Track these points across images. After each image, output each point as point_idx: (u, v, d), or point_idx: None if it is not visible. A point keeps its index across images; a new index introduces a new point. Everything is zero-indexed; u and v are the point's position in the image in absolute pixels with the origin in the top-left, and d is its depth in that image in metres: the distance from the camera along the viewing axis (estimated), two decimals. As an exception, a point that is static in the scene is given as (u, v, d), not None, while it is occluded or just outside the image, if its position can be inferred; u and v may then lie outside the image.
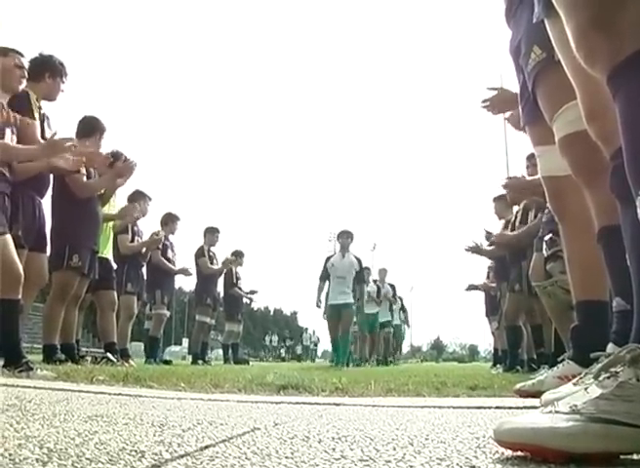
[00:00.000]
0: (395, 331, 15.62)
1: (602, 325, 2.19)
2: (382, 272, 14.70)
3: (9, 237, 3.59)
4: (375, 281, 14.03)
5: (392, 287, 15.04)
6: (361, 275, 10.28)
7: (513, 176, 3.60)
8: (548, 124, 2.27)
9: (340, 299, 9.66)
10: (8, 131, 3.84)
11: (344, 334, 9.66)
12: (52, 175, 4.82)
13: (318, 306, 10.05)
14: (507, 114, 3.08)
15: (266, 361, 30.39)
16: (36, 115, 4.32)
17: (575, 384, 1.74)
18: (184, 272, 9.34)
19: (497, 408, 1.73)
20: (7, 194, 3.78)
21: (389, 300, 14.55)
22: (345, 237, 10.27)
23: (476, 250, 7.72)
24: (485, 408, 1.73)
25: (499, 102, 2.99)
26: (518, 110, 2.94)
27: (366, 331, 13.17)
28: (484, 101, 3.03)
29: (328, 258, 10.18)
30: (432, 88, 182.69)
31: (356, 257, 10.15)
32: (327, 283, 9.93)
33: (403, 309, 17.31)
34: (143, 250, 7.83)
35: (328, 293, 9.88)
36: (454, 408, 1.75)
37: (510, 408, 1.75)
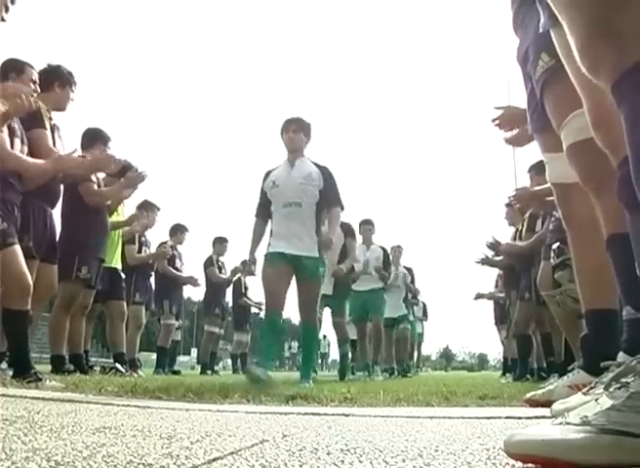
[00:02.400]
0: (412, 330, 11.41)
1: (612, 333, 2.17)
2: (397, 251, 10.47)
3: (18, 248, 3.61)
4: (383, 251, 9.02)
5: (409, 271, 10.79)
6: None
7: (521, 188, 3.60)
8: (556, 131, 2.26)
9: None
10: (17, 141, 3.86)
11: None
12: (62, 186, 4.85)
13: None
14: (508, 135, 3.07)
15: (284, 370, 30.05)
16: (47, 125, 4.35)
17: (585, 394, 1.73)
18: (192, 281, 9.35)
19: (507, 418, 1.72)
20: (16, 204, 3.80)
21: (407, 288, 10.41)
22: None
23: (487, 261, 7.71)
24: (495, 418, 1.72)
25: (507, 120, 2.98)
26: (520, 129, 2.94)
27: (349, 318, 8.25)
28: (493, 120, 3.04)
29: None
30: (439, 94, 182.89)
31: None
32: None
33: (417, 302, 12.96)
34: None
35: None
36: (463, 418, 1.74)
37: (520, 418, 1.73)
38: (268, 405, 2.29)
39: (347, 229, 7.29)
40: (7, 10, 3.53)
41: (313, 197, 4.85)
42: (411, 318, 10.90)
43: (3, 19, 3.54)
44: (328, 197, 4.92)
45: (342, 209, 5.03)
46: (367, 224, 8.92)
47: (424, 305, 14.48)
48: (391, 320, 9.76)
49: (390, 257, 9.13)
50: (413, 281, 10.99)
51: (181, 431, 1.33)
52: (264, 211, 5.01)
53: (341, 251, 7.13)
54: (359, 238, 8.41)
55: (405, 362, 10.33)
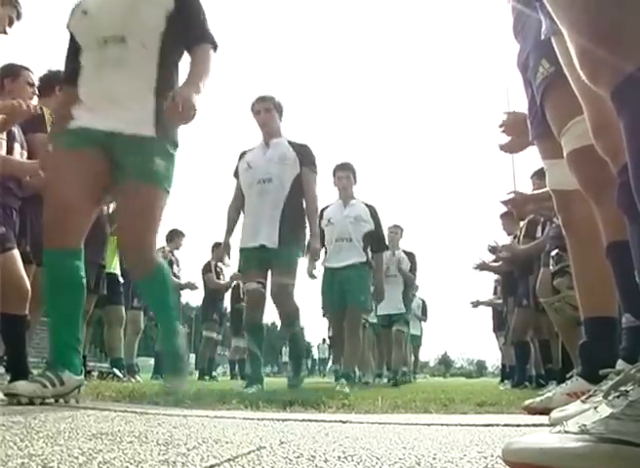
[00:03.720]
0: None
1: (611, 341, 2.17)
2: (395, 232, 8.44)
3: (17, 252, 3.60)
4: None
5: (411, 256, 8.67)
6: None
7: (516, 191, 3.59)
8: (557, 138, 2.26)
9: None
10: (17, 145, 3.86)
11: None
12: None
13: None
14: (503, 141, 3.07)
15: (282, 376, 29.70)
16: (49, 129, 4.33)
17: (583, 401, 1.73)
18: (190, 286, 9.34)
19: (505, 425, 1.71)
20: (15, 209, 3.79)
21: (404, 277, 8.36)
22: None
23: (484, 266, 7.70)
24: (493, 425, 1.71)
25: (512, 126, 2.98)
26: (516, 136, 2.93)
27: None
28: (499, 126, 3.04)
29: None
30: (436, 95, 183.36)
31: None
32: None
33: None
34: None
35: None
36: (461, 425, 1.74)
37: (519, 425, 1.72)
38: (265, 411, 2.29)
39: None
40: (11, 24, 3.55)
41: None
42: (408, 317, 8.81)
43: (5, 32, 3.56)
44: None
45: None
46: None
47: (423, 303, 12.60)
48: (386, 318, 8.37)
49: (387, 240, 6.98)
50: (414, 269, 8.72)
51: (179, 437, 1.32)
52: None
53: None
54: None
55: (398, 370, 8.21)
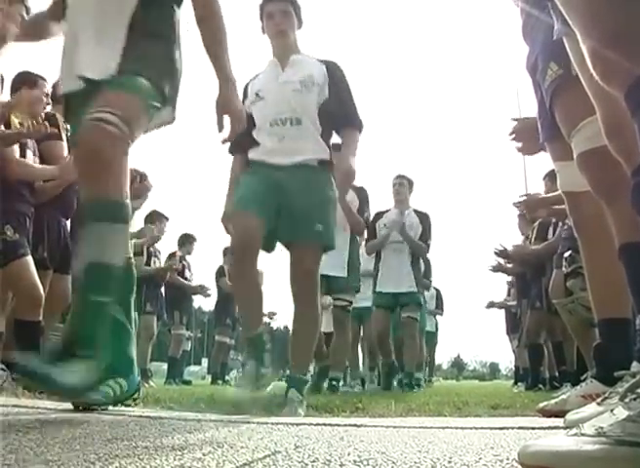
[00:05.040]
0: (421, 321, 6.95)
1: (625, 343, 2.15)
2: (402, 183, 6.39)
3: (30, 259, 3.64)
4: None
5: (423, 217, 6.32)
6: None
7: (528, 194, 3.57)
8: (567, 139, 2.25)
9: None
10: (29, 152, 3.90)
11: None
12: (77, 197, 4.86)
13: None
14: (519, 145, 3.06)
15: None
16: (63, 136, 4.36)
17: (599, 404, 1.72)
18: (202, 291, 9.35)
19: (520, 428, 1.70)
20: (28, 215, 3.82)
21: (413, 248, 6.13)
22: None
23: (500, 268, 7.69)
24: (508, 428, 1.70)
25: (522, 132, 2.97)
26: (532, 138, 2.92)
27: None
28: (510, 134, 3.04)
29: None
30: (447, 95, 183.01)
31: None
32: None
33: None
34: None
35: None
36: (476, 428, 1.73)
37: (534, 428, 1.71)
38: (280, 415, 2.29)
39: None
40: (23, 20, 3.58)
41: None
42: (420, 299, 6.42)
43: (17, 29, 3.59)
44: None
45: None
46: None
47: (438, 293, 10.35)
48: (391, 298, 6.10)
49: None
50: (426, 235, 6.26)
51: (193, 442, 1.33)
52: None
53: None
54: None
55: (411, 371, 6.36)
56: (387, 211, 6.04)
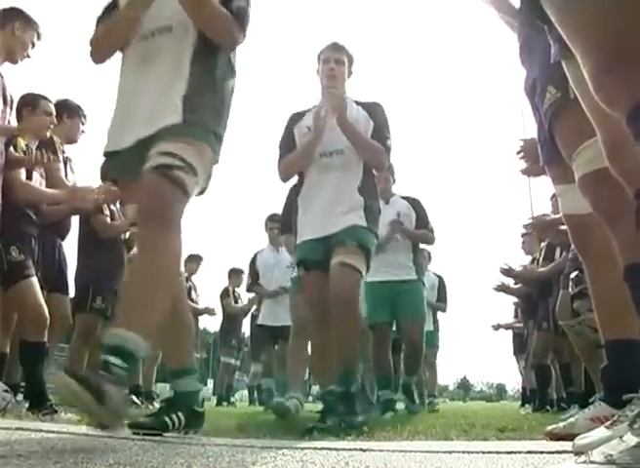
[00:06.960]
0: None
1: (633, 365, 2.13)
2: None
3: (35, 280, 3.64)
4: None
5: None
6: None
7: (537, 216, 3.57)
8: (567, 162, 2.25)
9: None
10: (36, 174, 3.92)
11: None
12: (78, 217, 4.87)
13: None
14: (524, 166, 3.08)
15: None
16: (60, 158, 4.38)
17: (607, 427, 1.70)
18: (209, 312, 9.33)
19: (528, 452, 1.68)
20: (34, 236, 3.84)
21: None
22: None
23: (503, 288, 7.65)
24: (515, 452, 1.68)
25: (529, 151, 2.99)
26: (536, 160, 2.94)
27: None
28: (517, 153, 3.05)
29: None
30: (452, 115, 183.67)
31: None
32: None
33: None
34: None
35: None
36: (483, 453, 1.71)
37: (542, 452, 1.69)
38: (284, 439, 2.27)
39: None
40: (33, 46, 3.64)
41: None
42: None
43: (28, 56, 3.64)
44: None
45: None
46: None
47: (441, 282, 8.76)
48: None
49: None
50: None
51: (197, 467, 1.31)
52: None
53: None
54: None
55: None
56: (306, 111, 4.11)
